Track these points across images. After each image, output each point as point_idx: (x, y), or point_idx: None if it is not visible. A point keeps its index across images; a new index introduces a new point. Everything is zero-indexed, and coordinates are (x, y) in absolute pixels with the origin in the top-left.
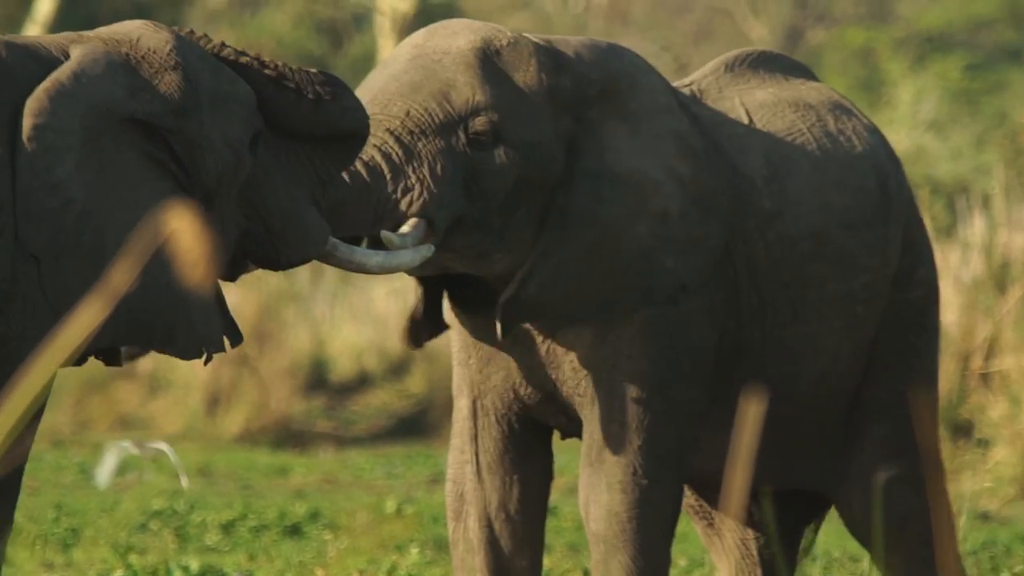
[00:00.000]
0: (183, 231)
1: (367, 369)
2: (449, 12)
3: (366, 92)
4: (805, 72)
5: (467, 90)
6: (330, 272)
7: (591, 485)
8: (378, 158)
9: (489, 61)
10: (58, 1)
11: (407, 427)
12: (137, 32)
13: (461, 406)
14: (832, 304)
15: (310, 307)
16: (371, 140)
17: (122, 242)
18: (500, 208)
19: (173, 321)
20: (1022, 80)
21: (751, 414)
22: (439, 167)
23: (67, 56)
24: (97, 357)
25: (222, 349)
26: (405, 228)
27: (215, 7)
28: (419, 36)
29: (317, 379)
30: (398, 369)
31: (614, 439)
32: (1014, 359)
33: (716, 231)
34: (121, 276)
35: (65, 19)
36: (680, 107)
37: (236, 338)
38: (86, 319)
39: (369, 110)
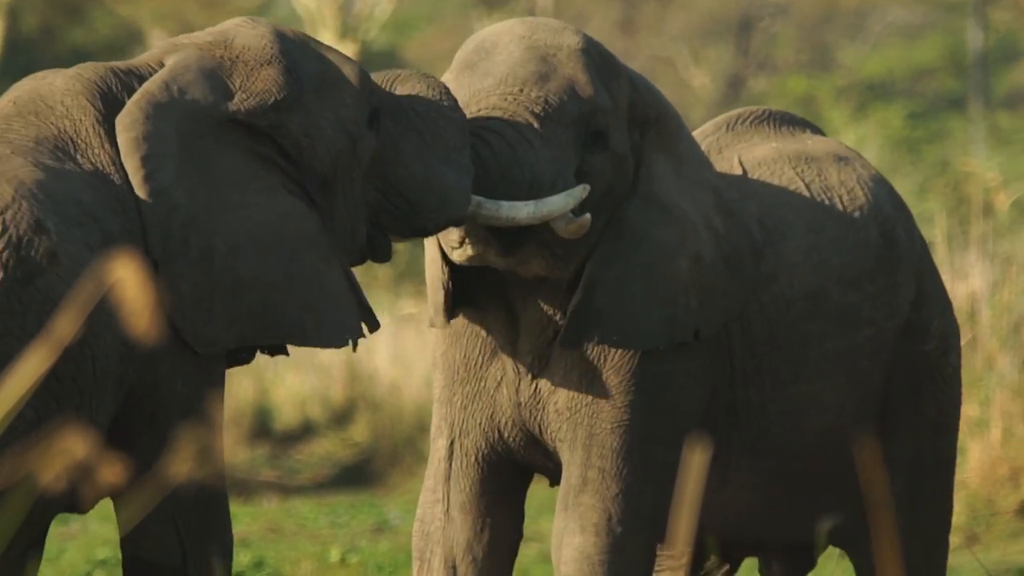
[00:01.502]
0: (127, 280)
1: (311, 418)
2: (391, 59)
3: (483, 75)
4: (812, 128)
5: (588, 89)
6: None
7: (565, 529)
8: (528, 135)
9: (595, 64)
10: None
11: (351, 476)
12: (233, 31)
13: (439, 447)
14: (834, 361)
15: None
16: (517, 118)
17: (231, 244)
18: (592, 212)
19: (299, 314)
20: (963, 128)
21: (694, 464)
22: (568, 158)
23: None
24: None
25: (361, 335)
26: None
27: None
28: (518, 27)
29: (261, 428)
30: (342, 418)
31: (591, 484)
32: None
33: (739, 294)
34: (66, 325)
35: (6, 66)
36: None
37: (373, 323)
38: (30, 369)
39: (500, 90)
